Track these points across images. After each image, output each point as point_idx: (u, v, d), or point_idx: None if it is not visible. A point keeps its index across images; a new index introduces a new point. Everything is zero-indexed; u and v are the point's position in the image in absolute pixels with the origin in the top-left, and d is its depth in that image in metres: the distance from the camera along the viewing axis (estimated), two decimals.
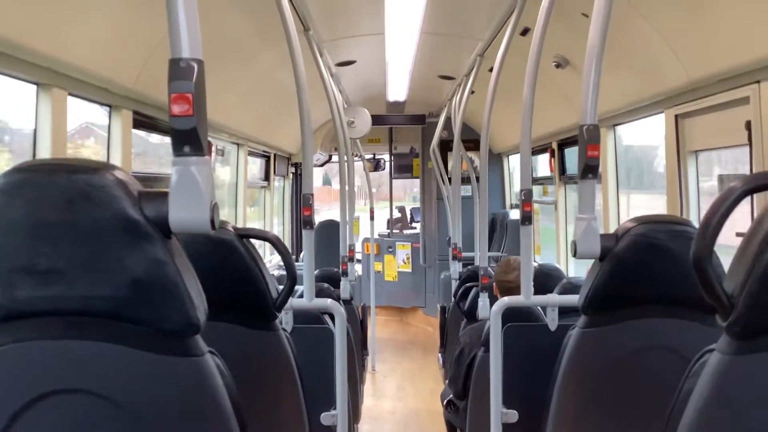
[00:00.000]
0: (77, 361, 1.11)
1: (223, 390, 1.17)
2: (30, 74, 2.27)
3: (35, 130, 2.37)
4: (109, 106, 2.93)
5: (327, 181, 16.94)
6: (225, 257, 1.91)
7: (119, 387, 1.12)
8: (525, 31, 3.67)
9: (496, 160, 7.95)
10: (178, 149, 1.12)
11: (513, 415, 2.42)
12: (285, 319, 2.43)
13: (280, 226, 7.44)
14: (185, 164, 1.12)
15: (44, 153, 2.35)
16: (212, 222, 1.14)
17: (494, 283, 3.46)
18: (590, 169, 1.87)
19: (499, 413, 2.43)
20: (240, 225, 5.26)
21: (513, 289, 3.25)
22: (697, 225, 1.92)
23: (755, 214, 2.51)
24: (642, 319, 1.87)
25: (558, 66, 3.98)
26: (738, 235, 2.60)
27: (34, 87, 2.36)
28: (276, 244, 2.06)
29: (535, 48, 2.49)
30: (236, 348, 1.74)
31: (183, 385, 1.14)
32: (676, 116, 3.14)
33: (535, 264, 3.29)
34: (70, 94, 2.49)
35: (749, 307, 1.01)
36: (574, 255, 1.90)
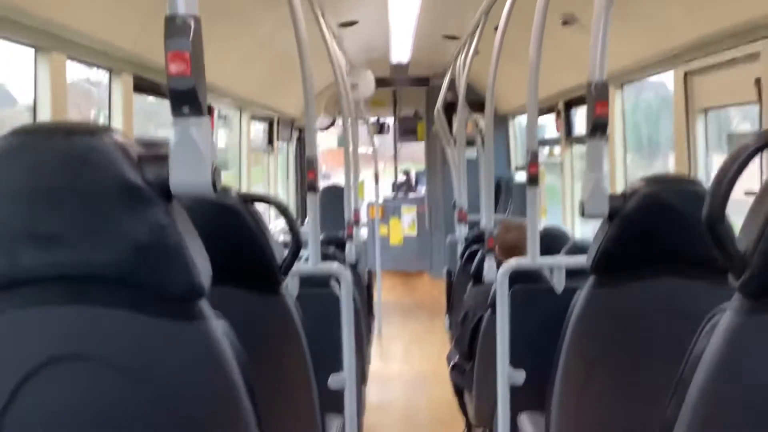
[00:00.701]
0: (81, 327, 1.10)
1: (230, 354, 1.16)
2: (28, 38, 2.23)
3: (35, 95, 2.34)
4: (110, 70, 2.90)
5: (342, 144, 16.81)
6: (229, 222, 1.90)
7: (124, 352, 1.11)
8: None
9: (501, 121, 7.88)
10: (176, 110, 1.09)
11: (520, 377, 2.42)
12: (291, 284, 2.42)
13: (284, 190, 7.43)
14: (184, 125, 1.10)
15: (44, 118, 2.33)
16: (214, 185, 1.12)
17: (496, 246, 3.45)
18: (599, 127, 1.84)
19: (506, 374, 2.43)
20: (244, 190, 5.25)
21: (513, 248, 3.23)
22: (705, 184, 1.89)
23: (765, 172, 2.49)
24: (651, 279, 1.86)
25: (565, 23, 3.91)
26: (747, 193, 2.58)
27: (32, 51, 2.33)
28: (280, 208, 2.05)
29: (541, 5, 2.44)
30: (242, 313, 1.73)
31: (189, 350, 1.13)
32: (686, 73, 3.10)
33: (541, 227, 3.27)
34: (70, 58, 2.46)
35: (762, 266, 0.99)
36: (582, 215, 1.88)
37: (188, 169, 1.09)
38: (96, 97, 3.12)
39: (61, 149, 1.07)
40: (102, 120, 3.02)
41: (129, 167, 1.08)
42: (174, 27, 1.07)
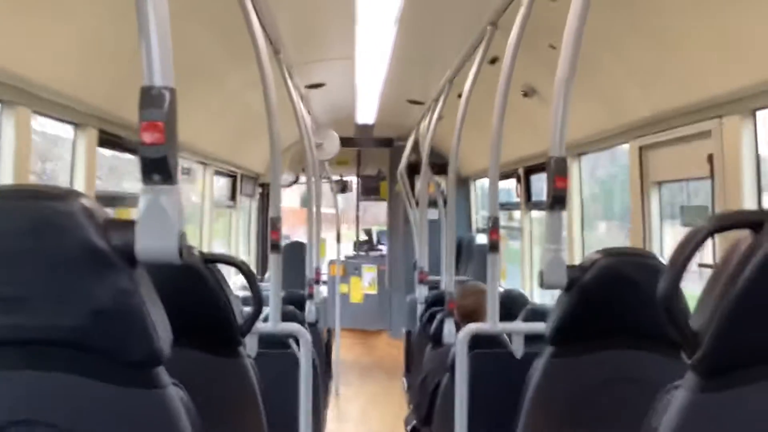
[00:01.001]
0: (37, 393, 1.08)
1: (185, 422, 1.15)
2: None
3: None
4: (74, 124, 2.89)
5: (306, 204, 16.77)
6: (190, 283, 1.88)
7: (80, 419, 1.09)
8: (494, 60, 3.72)
9: (463, 184, 8.00)
10: (147, 178, 1.10)
11: None
12: (249, 344, 2.40)
13: (246, 246, 7.38)
14: (154, 193, 1.10)
15: (7, 173, 2.30)
16: (180, 252, 1.12)
17: (455, 309, 3.47)
18: (558, 200, 1.89)
19: None
20: (205, 245, 5.21)
21: (471, 313, 3.26)
22: (659, 255, 1.95)
23: (716, 248, 2.56)
24: (609, 350, 1.89)
25: (525, 95, 4.03)
26: (701, 265, 2.65)
27: None
28: (243, 270, 2.04)
29: (504, 77, 2.52)
30: (199, 375, 1.71)
31: (145, 418, 1.11)
32: (641, 147, 3.20)
33: (501, 289, 3.31)
34: (35, 112, 2.45)
35: (715, 346, 1.03)
36: (541, 285, 1.91)
37: (155, 236, 1.10)
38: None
39: (27, 212, 1.07)
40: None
41: (95, 232, 1.08)
42: (149, 98, 1.09)
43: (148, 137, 1.07)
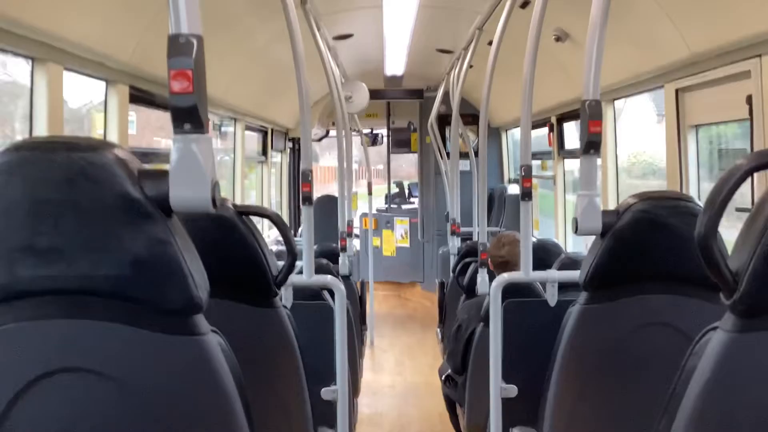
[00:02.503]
0: (78, 341, 1.11)
1: (225, 369, 1.17)
2: (25, 49, 2.24)
3: (31, 106, 2.35)
4: (106, 80, 2.91)
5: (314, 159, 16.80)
6: (225, 235, 1.90)
7: (121, 366, 1.11)
8: (525, 4, 3.64)
9: (495, 134, 7.92)
10: (178, 127, 1.10)
11: (512, 390, 2.43)
12: (285, 296, 2.43)
13: (277, 200, 7.43)
14: (185, 142, 1.10)
15: (41, 129, 2.33)
16: (213, 201, 1.13)
17: (489, 260, 3.47)
18: (592, 145, 1.86)
19: (498, 388, 2.44)
20: (237, 200, 5.25)
21: (505, 263, 3.26)
22: (697, 200, 1.92)
23: (755, 190, 2.51)
24: (643, 295, 1.87)
25: (558, 39, 3.95)
26: (738, 210, 2.61)
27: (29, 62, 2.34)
28: (276, 221, 2.05)
29: (536, 21, 2.46)
30: (237, 325, 1.73)
31: (186, 364, 1.14)
32: (677, 90, 3.13)
33: (534, 239, 3.29)
34: (66, 69, 2.46)
35: (754, 286, 1.01)
36: (576, 232, 1.90)
37: (188, 185, 1.10)
38: None
39: (62, 164, 1.08)
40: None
41: (129, 182, 1.09)
42: (177, 46, 1.08)
43: (177, 86, 1.07)
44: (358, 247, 7.25)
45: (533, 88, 2.57)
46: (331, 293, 2.56)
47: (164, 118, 3.79)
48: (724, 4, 2.49)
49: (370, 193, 7.49)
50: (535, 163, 6.13)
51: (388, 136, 9.21)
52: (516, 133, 7.43)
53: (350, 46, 5.69)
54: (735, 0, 2.43)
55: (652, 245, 1.85)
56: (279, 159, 7.42)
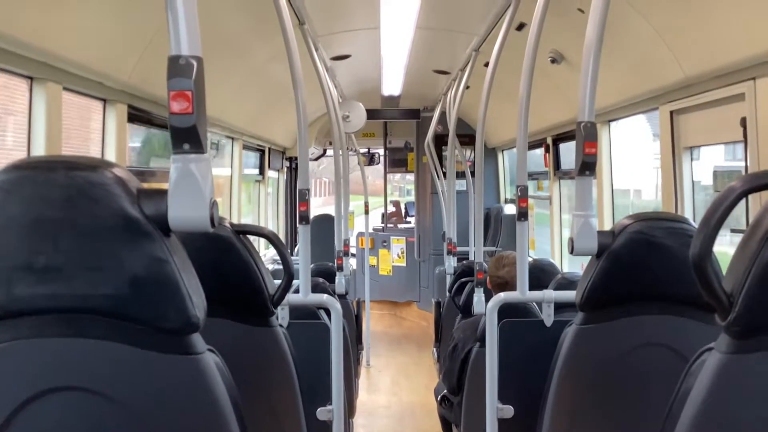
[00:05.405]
0: (76, 359, 1.11)
1: (222, 388, 1.17)
2: (24, 68, 2.25)
3: (29, 126, 2.35)
4: (104, 100, 2.92)
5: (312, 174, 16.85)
6: (222, 254, 1.91)
7: (118, 385, 1.11)
8: (521, 26, 3.67)
9: (491, 154, 7.95)
10: (177, 147, 1.11)
11: (508, 411, 2.42)
12: (281, 315, 2.43)
13: (274, 220, 7.43)
14: (184, 162, 1.11)
15: (39, 148, 2.34)
16: (212, 220, 1.13)
17: (488, 280, 3.48)
18: (588, 166, 1.87)
19: (494, 409, 2.43)
20: (235, 219, 5.25)
21: (505, 284, 3.26)
22: (692, 221, 1.93)
23: (749, 211, 2.53)
24: (639, 316, 1.88)
25: (553, 61, 3.98)
26: (733, 231, 2.62)
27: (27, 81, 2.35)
28: (273, 240, 2.06)
29: (532, 43, 2.49)
30: (233, 344, 1.73)
31: (182, 383, 1.14)
32: (672, 112, 3.15)
33: (530, 259, 3.30)
34: (65, 89, 2.48)
35: (748, 307, 1.02)
36: (571, 252, 1.90)
37: (187, 205, 1.11)
38: None
39: (61, 183, 1.09)
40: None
41: (128, 201, 1.09)
42: (177, 67, 1.09)
43: (176, 106, 1.08)
44: (355, 266, 7.25)
45: (529, 108, 2.59)
46: (328, 312, 2.56)
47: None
48: (719, 28, 2.52)
49: (366, 212, 7.50)
50: (531, 184, 6.16)
51: (384, 155, 9.23)
52: (512, 153, 7.47)
53: (348, 67, 5.73)
54: (729, 23, 2.45)
55: (647, 266, 1.85)
56: (276, 179, 7.43)
